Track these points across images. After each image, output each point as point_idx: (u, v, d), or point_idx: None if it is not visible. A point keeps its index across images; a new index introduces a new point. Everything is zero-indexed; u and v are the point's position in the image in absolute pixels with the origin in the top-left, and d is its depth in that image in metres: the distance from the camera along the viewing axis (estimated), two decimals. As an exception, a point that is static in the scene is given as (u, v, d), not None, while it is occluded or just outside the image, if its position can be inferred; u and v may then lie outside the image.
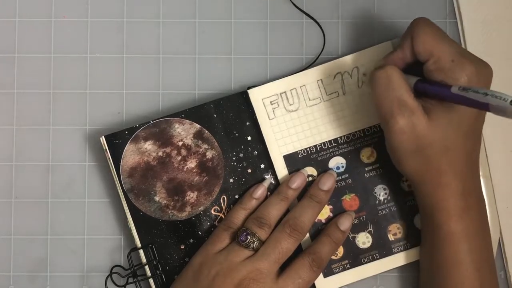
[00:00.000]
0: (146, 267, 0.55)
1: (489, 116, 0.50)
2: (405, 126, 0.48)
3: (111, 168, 0.55)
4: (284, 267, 0.52)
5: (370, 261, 0.55)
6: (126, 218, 0.55)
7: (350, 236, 0.55)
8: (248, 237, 0.51)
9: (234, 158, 0.55)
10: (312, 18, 0.58)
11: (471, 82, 0.47)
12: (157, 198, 0.55)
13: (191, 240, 0.55)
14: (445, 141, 0.49)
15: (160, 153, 0.55)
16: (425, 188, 0.50)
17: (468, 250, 0.50)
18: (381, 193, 0.56)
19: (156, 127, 0.55)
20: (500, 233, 0.56)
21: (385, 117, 0.49)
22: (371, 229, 0.56)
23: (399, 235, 0.56)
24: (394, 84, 0.49)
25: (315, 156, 0.56)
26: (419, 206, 0.53)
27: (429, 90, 0.49)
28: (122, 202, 0.55)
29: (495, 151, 0.57)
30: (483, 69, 0.48)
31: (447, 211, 0.50)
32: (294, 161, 0.56)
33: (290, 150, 0.56)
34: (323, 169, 0.56)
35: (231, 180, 0.55)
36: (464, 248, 0.50)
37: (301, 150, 0.56)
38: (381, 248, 0.55)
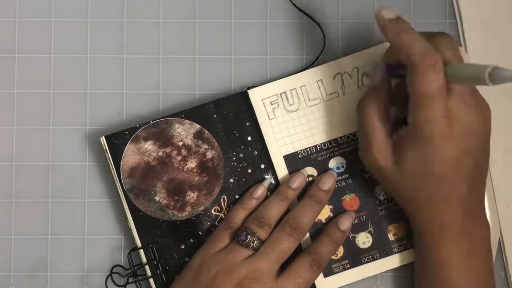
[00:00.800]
0: (146, 267, 0.55)
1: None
2: (371, 166, 0.50)
3: (111, 168, 0.55)
4: (284, 267, 0.52)
5: (370, 261, 0.55)
6: (126, 218, 0.55)
7: (350, 236, 0.55)
8: (248, 236, 0.51)
9: (234, 158, 0.55)
10: (312, 18, 0.58)
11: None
12: (157, 198, 0.55)
13: (191, 240, 0.55)
14: (413, 186, 0.48)
15: (160, 153, 0.55)
16: (416, 224, 0.51)
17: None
18: (381, 193, 0.56)
19: (156, 127, 0.55)
20: (500, 233, 0.56)
21: (361, 151, 0.51)
22: (371, 229, 0.56)
23: (399, 235, 0.56)
24: (365, 119, 0.49)
25: (315, 156, 0.56)
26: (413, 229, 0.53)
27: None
28: (122, 202, 0.55)
29: (495, 151, 0.57)
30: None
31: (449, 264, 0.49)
32: (294, 161, 0.56)
33: (290, 150, 0.56)
34: (323, 169, 0.56)
35: (231, 180, 0.55)
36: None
37: (301, 150, 0.56)
38: (381, 248, 0.55)
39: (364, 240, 0.56)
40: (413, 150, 0.46)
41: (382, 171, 0.49)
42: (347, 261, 0.55)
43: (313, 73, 0.56)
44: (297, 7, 0.58)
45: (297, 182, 0.54)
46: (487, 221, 0.51)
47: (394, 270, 0.57)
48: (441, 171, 0.46)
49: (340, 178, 0.56)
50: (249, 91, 0.56)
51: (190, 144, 0.55)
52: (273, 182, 0.55)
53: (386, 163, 0.48)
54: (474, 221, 0.49)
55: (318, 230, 0.55)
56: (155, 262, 0.55)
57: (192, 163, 0.55)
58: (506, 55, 0.57)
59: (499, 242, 0.56)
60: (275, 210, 0.53)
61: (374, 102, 0.49)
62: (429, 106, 0.44)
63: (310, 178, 0.55)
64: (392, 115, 0.50)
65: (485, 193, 0.55)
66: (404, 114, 0.47)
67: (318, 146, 0.56)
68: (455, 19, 0.58)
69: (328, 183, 0.54)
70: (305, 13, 0.58)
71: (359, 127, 0.50)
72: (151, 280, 0.55)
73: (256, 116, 0.55)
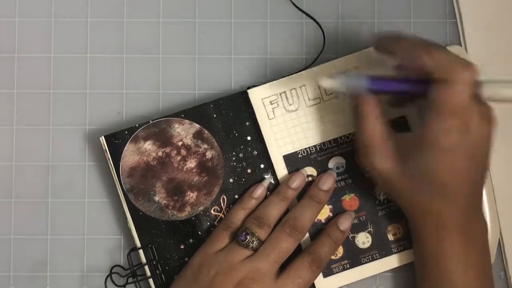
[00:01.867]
0: (146, 267, 0.55)
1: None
2: (370, 168, 0.50)
3: (111, 168, 0.55)
4: (283, 267, 0.52)
5: (370, 261, 0.55)
6: (125, 218, 0.55)
7: (350, 236, 0.55)
8: (248, 237, 0.51)
9: (234, 158, 0.55)
10: (312, 18, 0.58)
11: None
12: (156, 198, 0.55)
13: (191, 240, 0.55)
14: (413, 188, 0.49)
15: (160, 153, 0.55)
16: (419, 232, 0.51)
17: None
18: (381, 193, 0.56)
19: (156, 127, 0.55)
20: (500, 233, 0.56)
21: (359, 154, 0.51)
22: (371, 229, 0.56)
23: (399, 235, 0.55)
24: (363, 122, 0.49)
25: (315, 156, 0.56)
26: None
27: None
28: (122, 202, 0.55)
29: (495, 151, 0.56)
30: None
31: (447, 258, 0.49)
32: (294, 161, 0.56)
33: (290, 150, 0.56)
34: (322, 169, 0.56)
35: (231, 180, 0.55)
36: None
37: (300, 150, 0.56)
38: (381, 248, 0.55)
39: (363, 240, 0.55)
40: (420, 156, 0.47)
41: (381, 173, 0.49)
42: (346, 261, 0.55)
43: (313, 73, 0.56)
44: (297, 7, 0.58)
45: (297, 182, 0.54)
46: (483, 215, 0.51)
47: (394, 270, 0.56)
48: (447, 179, 0.47)
49: (340, 178, 0.56)
50: (249, 91, 0.55)
51: (189, 144, 0.55)
52: (272, 182, 0.55)
53: (385, 164, 0.49)
54: (472, 217, 0.49)
55: (318, 230, 0.55)
56: (154, 262, 0.55)
57: (191, 163, 0.55)
58: (506, 55, 0.57)
59: (499, 242, 0.56)
60: (274, 210, 0.53)
61: (370, 104, 0.49)
62: (453, 118, 0.45)
63: (310, 178, 0.55)
64: (386, 116, 0.50)
65: (485, 193, 0.55)
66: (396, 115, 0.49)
67: (318, 146, 0.56)
68: (455, 19, 0.58)
69: (327, 183, 0.54)
70: (305, 13, 0.58)
71: (357, 130, 0.50)
72: (151, 280, 0.55)
73: (255, 116, 0.55)
